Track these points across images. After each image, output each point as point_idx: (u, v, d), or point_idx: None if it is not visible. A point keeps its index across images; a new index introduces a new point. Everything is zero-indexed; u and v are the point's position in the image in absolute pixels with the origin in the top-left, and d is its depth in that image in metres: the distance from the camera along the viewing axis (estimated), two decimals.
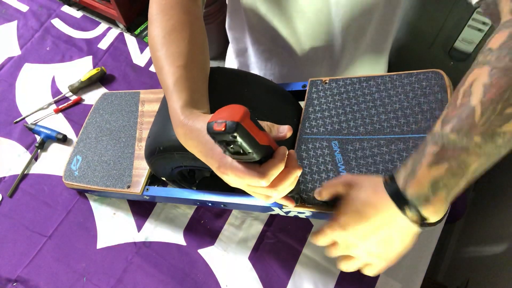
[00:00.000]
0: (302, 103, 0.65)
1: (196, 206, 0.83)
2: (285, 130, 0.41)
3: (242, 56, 0.89)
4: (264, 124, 0.42)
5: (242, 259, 0.77)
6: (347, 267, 0.50)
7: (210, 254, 0.78)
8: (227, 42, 1.00)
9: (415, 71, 0.59)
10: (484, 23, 0.88)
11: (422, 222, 0.41)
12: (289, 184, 0.41)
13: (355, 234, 0.45)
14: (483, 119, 0.35)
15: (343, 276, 0.75)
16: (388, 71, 0.63)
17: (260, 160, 0.39)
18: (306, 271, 0.76)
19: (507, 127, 0.35)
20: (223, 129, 0.35)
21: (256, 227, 0.80)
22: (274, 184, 0.40)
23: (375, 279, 0.75)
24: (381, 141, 0.55)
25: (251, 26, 0.77)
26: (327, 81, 0.64)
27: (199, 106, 0.49)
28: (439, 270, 1.27)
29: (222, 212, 0.82)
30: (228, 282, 0.76)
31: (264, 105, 0.61)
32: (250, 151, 0.36)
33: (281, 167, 0.39)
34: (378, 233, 0.43)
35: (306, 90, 0.65)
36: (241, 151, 0.37)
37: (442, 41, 1.00)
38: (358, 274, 0.76)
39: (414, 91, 0.57)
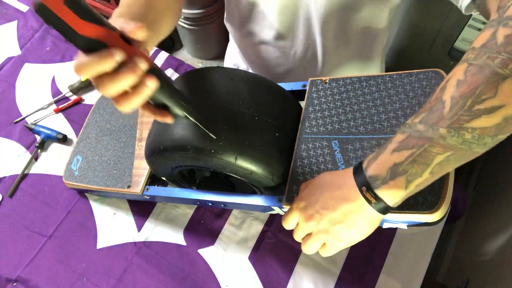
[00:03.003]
0: (302, 103, 0.65)
1: (196, 206, 0.83)
2: (134, 27, 0.36)
3: (238, 48, 0.91)
4: (120, 21, 0.38)
5: (242, 259, 0.77)
6: (309, 249, 0.48)
7: (210, 254, 0.78)
8: (227, 42, 1.00)
9: (415, 71, 0.59)
10: (484, 23, 0.88)
11: (377, 203, 0.41)
12: (113, 84, 0.36)
13: (316, 204, 0.45)
14: (451, 113, 0.36)
15: (343, 276, 0.75)
16: (388, 71, 0.63)
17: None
18: (306, 271, 0.76)
19: (476, 123, 0.35)
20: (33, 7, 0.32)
21: (256, 227, 0.80)
22: (99, 81, 0.36)
23: (375, 279, 0.75)
24: (381, 140, 0.55)
25: (242, 19, 0.78)
26: (327, 81, 0.64)
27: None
28: (439, 270, 1.27)
29: (222, 212, 0.82)
30: (228, 282, 0.76)
31: (264, 105, 0.61)
32: (67, 36, 0.33)
33: (95, 62, 0.34)
34: (337, 206, 0.44)
35: (306, 89, 0.65)
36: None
37: (442, 41, 1.00)
38: (358, 274, 0.76)
39: (414, 90, 0.57)
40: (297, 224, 0.49)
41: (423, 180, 0.39)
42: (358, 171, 0.43)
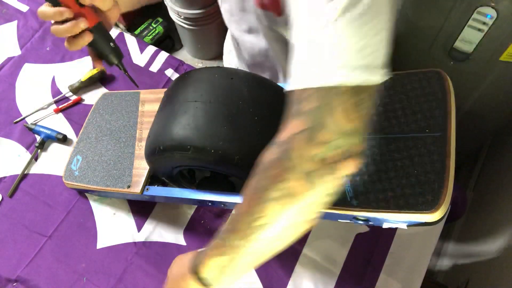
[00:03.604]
0: None
1: (196, 206, 0.83)
2: None
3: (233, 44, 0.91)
4: None
5: None
6: None
7: None
8: None
9: (415, 71, 0.59)
10: (484, 23, 0.88)
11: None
12: (60, 31, 0.51)
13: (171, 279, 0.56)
14: (239, 226, 0.42)
15: (343, 276, 0.75)
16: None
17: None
18: (306, 271, 0.76)
19: (254, 237, 0.41)
20: None
21: None
22: (53, 25, 0.51)
23: (375, 279, 0.75)
24: (381, 140, 0.55)
25: (221, 12, 0.79)
26: None
27: None
28: (439, 270, 1.27)
29: (222, 212, 0.82)
30: None
31: (264, 105, 0.61)
32: None
33: (49, 14, 0.49)
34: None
35: None
36: None
37: (442, 41, 1.00)
38: (358, 274, 0.76)
39: (414, 90, 0.57)
40: None
41: (242, 272, 0.47)
42: (194, 262, 0.49)
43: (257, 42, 0.76)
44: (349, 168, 0.38)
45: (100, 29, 0.54)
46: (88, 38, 0.52)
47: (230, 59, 0.95)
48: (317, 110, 0.37)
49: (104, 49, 0.56)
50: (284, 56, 0.75)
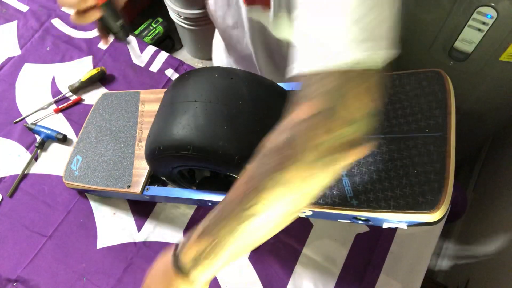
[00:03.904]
0: None
1: (196, 206, 0.83)
2: None
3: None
4: None
5: (242, 259, 0.77)
6: None
7: None
8: None
9: (415, 71, 0.59)
10: (484, 23, 0.88)
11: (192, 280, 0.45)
12: (68, 3, 0.52)
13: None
14: (233, 214, 0.40)
15: (343, 276, 0.75)
16: (388, 71, 0.63)
17: None
18: (306, 271, 0.76)
19: (244, 225, 0.39)
20: None
21: None
22: None
23: (375, 279, 0.75)
24: (381, 140, 0.55)
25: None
26: None
27: None
28: (439, 270, 1.27)
29: None
30: (228, 282, 0.76)
31: (264, 105, 0.61)
32: None
33: None
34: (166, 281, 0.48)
35: None
36: None
37: (442, 41, 1.00)
38: (358, 274, 0.76)
39: (414, 90, 0.57)
40: None
41: (223, 264, 0.43)
42: (175, 252, 0.47)
43: (243, 36, 0.76)
44: (354, 156, 0.36)
45: (109, 7, 0.56)
46: (96, 14, 0.54)
47: (219, 56, 0.95)
48: (327, 94, 0.34)
49: (112, 26, 0.59)
50: (264, 55, 0.75)
